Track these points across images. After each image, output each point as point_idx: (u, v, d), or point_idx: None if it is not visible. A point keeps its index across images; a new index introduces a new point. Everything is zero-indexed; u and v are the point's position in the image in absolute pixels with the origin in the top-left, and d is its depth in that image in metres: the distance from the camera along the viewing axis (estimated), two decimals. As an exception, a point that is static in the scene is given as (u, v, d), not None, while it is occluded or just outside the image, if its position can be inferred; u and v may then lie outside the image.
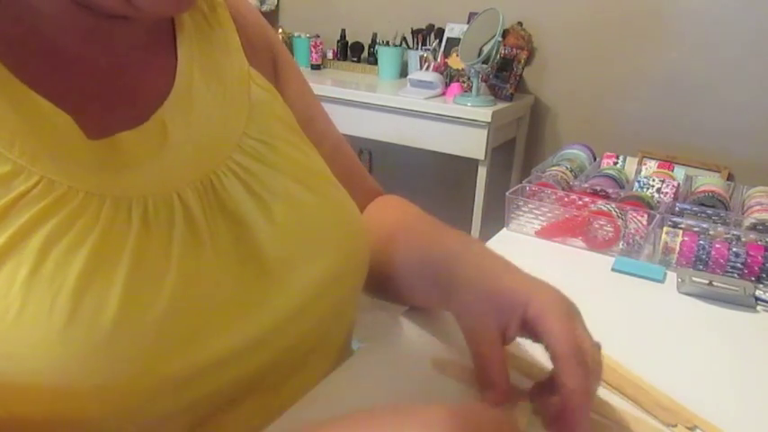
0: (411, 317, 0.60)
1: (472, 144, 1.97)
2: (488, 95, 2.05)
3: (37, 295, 0.34)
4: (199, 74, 0.47)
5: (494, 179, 2.06)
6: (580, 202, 0.91)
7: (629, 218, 0.84)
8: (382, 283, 0.57)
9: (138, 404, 0.37)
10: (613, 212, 0.85)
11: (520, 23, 2.18)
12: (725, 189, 0.98)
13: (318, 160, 0.53)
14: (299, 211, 0.48)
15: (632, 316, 0.67)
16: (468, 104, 1.96)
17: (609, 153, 1.13)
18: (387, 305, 0.62)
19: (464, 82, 2.13)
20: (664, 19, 2.01)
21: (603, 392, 0.51)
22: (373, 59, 2.49)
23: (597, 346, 0.44)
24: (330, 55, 2.57)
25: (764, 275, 0.76)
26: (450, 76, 2.20)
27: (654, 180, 0.99)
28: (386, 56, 2.38)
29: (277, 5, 2.74)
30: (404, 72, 2.38)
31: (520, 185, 0.95)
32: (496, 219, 1.01)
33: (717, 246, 0.78)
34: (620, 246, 0.85)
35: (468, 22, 2.18)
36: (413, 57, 2.36)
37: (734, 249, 0.77)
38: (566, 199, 0.92)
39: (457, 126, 1.97)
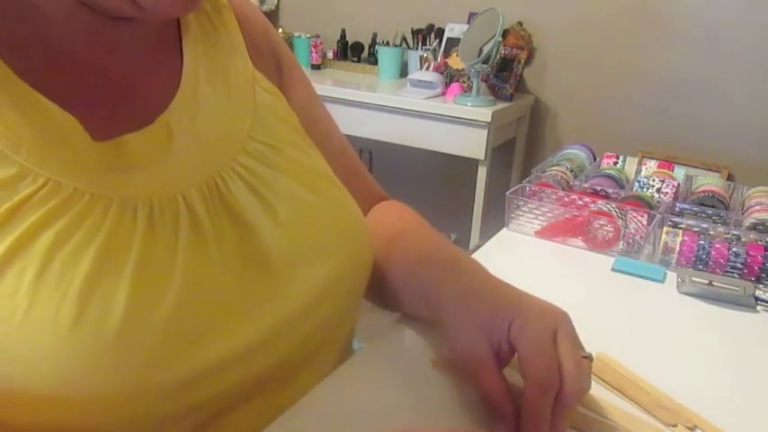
0: (411, 317, 0.60)
1: (472, 144, 1.97)
2: (488, 95, 2.05)
3: (43, 297, 0.34)
4: (204, 76, 0.47)
5: (494, 179, 2.06)
6: (580, 202, 0.91)
7: (629, 218, 0.84)
8: (379, 291, 0.58)
9: (143, 407, 0.37)
10: (613, 212, 0.85)
11: (520, 23, 2.18)
12: (725, 189, 0.98)
13: (322, 162, 0.54)
14: (302, 213, 0.48)
15: (632, 316, 0.67)
16: (468, 104, 1.96)
17: (609, 153, 1.13)
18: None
19: (464, 82, 2.13)
20: (664, 19, 2.01)
21: (604, 392, 0.51)
22: (373, 59, 2.49)
23: (589, 358, 0.44)
24: (330, 55, 2.57)
25: (764, 275, 0.76)
26: (450, 76, 2.20)
27: (654, 180, 0.99)
28: (386, 56, 2.38)
29: (277, 5, 2.74)
30: (404, 72, 2.38)
31: (520, 185, 0.95)
32: (496, 219, 1.01)
33: (717, 246, 0.78)
34: (620, 246, 0.85)
35: (468, 22, 2.18)
36: (413, 57, 2.36)
37: (734, 249, 0.78)
38: (566, 199, 0.92)
39: (457, 126, 1.97)
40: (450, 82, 2.17)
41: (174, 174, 0.42)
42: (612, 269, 0.79)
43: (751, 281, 0.75)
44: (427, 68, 2.23)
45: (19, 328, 0.33)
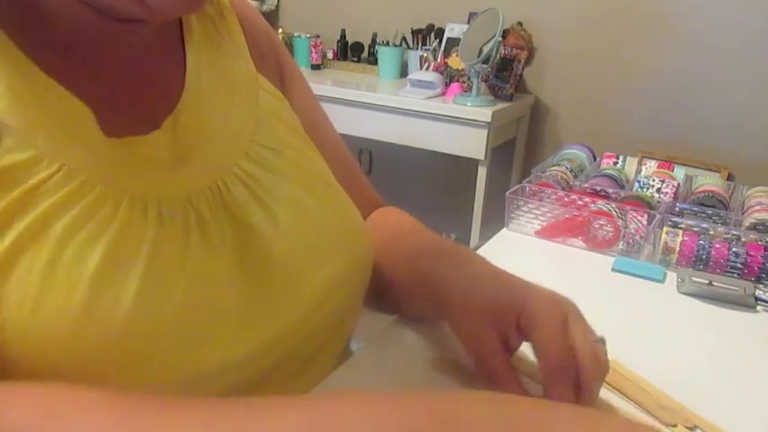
0: (410, 318, 0.60)
1: (472, 144, 1.97)
2: (488, 95, 2.05)
3: (55, 284, 0.34)
4: (207, 80, 0.47)
5: (494, 179, 2.06)
6: (580, 202, 0.91)
7: (629, 218, 0.84)
8: (379, 295, 0.58)
9: None
10: (613, 212, 0.85)
11: (520, 23, 2.18)
12: (725, 189, 0.98)
13: (323, 165, 0.54)
14: (304, 218, 0.48)
15: (632, 316, 0.67)
16: (468, 104, 1.96)
17: (609, 153, 1.13)
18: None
19: (464, 82, 2.13)
20: (664, 19, 2.01)
21: (604, 392, 0.51)
22: (373, 59, 2.49)
23: (601, 341, 0.44)
24: (330, 55, 2.57)
25: (764, 275, 0.76)
26: (450, 76, 2.20)
27: (654, 180, 0.99)
28: (386, 56, 2.38)
29: (277, 5, 2.74)
30: (404, 72, 2.38)
31: (520, 185, 0.95)
32: (496, 219, 1.01)
33: (717, 246, 0.78)
34: (620, 246, 0.85)
35: (468, 22, 2.18)
36: (413, 57, 2.36)
37: (734, 249, 0.77)
38: (566, 199, 0.92)
39: (457, 126, 1.97)
40: (450, 82, 2.17)
41: (180, 178, 0.42)
42: (612, 269, 0.78)
43: (751, 281, 0.75)
44: (427, 68, 2.23)
45: (31, 313, 0.34)
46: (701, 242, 0.79)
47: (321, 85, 2.18)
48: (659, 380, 0.53)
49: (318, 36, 2.52)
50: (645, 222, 0.84)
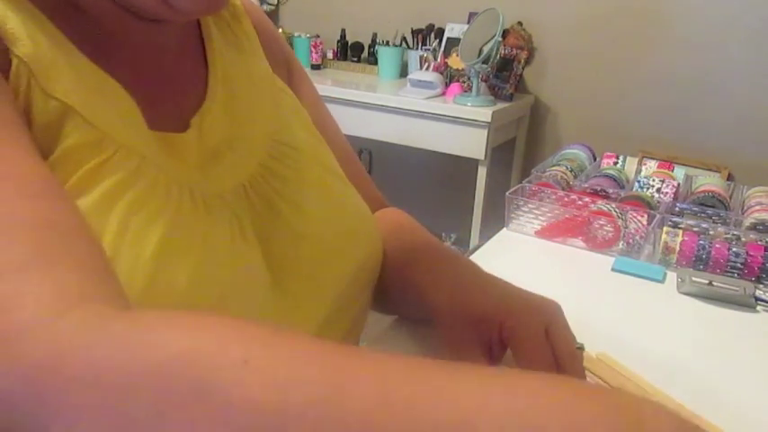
0: (409, 318, 0.60)
1: (472, 144, 1.97)
2: (488, 95, 2.05)
3: (122, 256, 0.35)
4: (228, 81, 0.48)
5: (494, 179, 2.06)
6: (580, 202, 0.91)
7: (629, 218, 0.84)
8: (375, 295, 0.58)
9: None
10: (613, 212, 0.85)
11: (520, 23, 2.18)
12: (725, 189, 0.98)
13: (335, 161, 0.56)
14: (324, 213, 0.49)
15: (632, 316, 0.67)
16: (468, 104, 1.96)
17: (609, 153, 1.13)
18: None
19: (464, 82, 2.13)
20: (664, 19, 2.01)
21: (603, 392, 0.51)
22: (373, 59, 2.49)
23: (580, 348, 0.45)
24: (330, 55, 2.57)
25: (764, 275, 0.76)
26: (450, 76, 2.20)
27: (654, 180, 0.99)
28: (386, 56, 2.38)
29: (277, 5, 2.74)
30: (404, 72, 2.38)
31: (520, 185, 0.95)
32: (496, 219, 1.01)
33: (717, 246, 0.78)
34: (620, 246, 0.85)
35: (468, 22, 2.18)
36: (413, 57, 2.36)
37: (734, 249, 0.78)
38: (566, 199, 0.92)
39: (457, 126, 1.97)
40: (450, 82, 2.17)
41: (210, 177, 0.43)
42: (612, 269, 0.79)
43: (751, 281, 0.75)
44: (427, 68, 2.23)
45: None
46: (701, 242, 0.79)
47: (321, 85, 2.18)
48: (659, 380, 0.53)
49: (318, 36, 2.52)
50: (645, 222, 0.84)
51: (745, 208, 0.93)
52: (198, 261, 0.38)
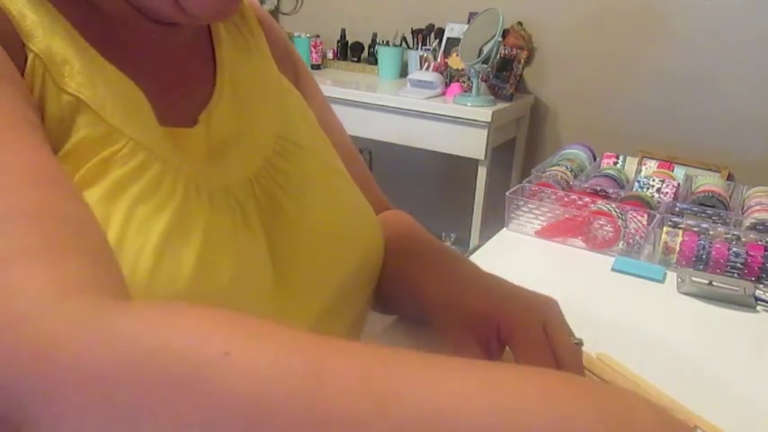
0: (409, 318, 0.60)
1: (472, 144, 1.97)
2: (488, 95, 2.05)
3: (125, 246, 0.36)
4: (236, 79, 0.50)
5: (494, 179, 2.06)
6: (580, 202, 0.91)
7: (629, 218, 0.84)
8: (375, 294, 0.59)
9: None
10: (613, 212, 0.85)
11: (520, 23, 2.18)
12: (725, 189, 0.98)
13: (339, 161, 0.56)
14: (326, 209, 0.50)
15: (632, 316, 0.67)
16: (468, 104, 1.96)
17: (609, 153, 1.13)
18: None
19: (464, 82, 2.13)
20: (664, 19, 2.01)
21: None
22: (373, 59, 2.49)
23: (579, 344, 0.46)
24: (330, 55, 2.57)
25: (764, 275, 0.76)
26: (450, 76, 2.20)
27: (654, 180, 0.99)
28: (386, 56, 2.38)
29: (277, 5, 2.74)
30: (404, 72, 2.38)
31: (520, 185, 0.95)
32: (496, 219, 1.01)
33: (717, 246, 0.78)
34: (620, 246, 0.85)
35: (468, 22, 2.18)
36: (413, 57, 2.36)
37: (734, 249, 0.78)
38: (566, 199, 0.92)
39: (457, 126, 1.97)
40: (450, 82, 2.17)
41: (218, 170, 0.44)
42: (612, 269, 0.79)
43: (751, 281, 0.75)
44: (427, 68, 2.23)
45: None
46: (701, 242, 0.79)
47: (321, 85, 2.14)
48: (659, 380, 0.53)
49: (318, 36, 2.52)
50: (645, 222, 0.84)
51: (745, 208, 0.93)
52: (201, 251, 0.39)
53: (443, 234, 2.50)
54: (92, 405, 0.23)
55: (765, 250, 0.77)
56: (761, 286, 0.74)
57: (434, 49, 2.31)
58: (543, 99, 2.29)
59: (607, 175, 1.03)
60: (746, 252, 0.77)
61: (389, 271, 0.57)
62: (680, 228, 0.83)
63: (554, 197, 0.92)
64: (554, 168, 1.02)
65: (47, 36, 0.37)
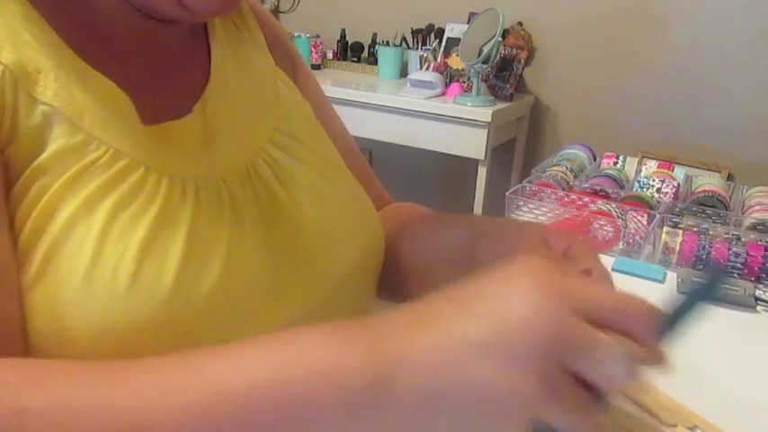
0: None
1: (472, 144, 1.97)
2: (488, 95, 2.05)
3: (104, 257, 0.36)
4: (231, 71, 0.50)
5: (494, 179, 2.06)
6: (580, 202, 0.91)
7: (629, 218, 0.84)
8: (390, 273, 0.58)
9: None
10: (613, 212, 0.85)
11: (520, 23, 2.18)
12: (725, 189, 0.98)
13: (337, 153, 0.56)
14: (324, 201, 0.50)
15: (632, 316, 0.67)
16: (468, 104, 1.96)
17: (609, 153, 1.13)
18: (387, 303, 0.62)
19: (464, 82, 2.13)
20: (664, 19, 2.01)
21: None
22: (373, 59, 2.49)
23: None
24: (330, 55, 2.57)
25: (764, 275, 0.76)
26: (450, 76, 2.20)
27: (654, 180, 0.99)
28: (386, 56, 2.38)
29: (277, 5, 2.74)
30: (404, 72, 2.38)
31: (520, 185, 0.95)
32: (496, 219, 1.01)
33: (717, 246, 0.78)
34: (620, 246, 0.85)
35: (468, 22, 2.18)
36: (413, 57, 2.36)
37: (734, 249, 0.78)
38: (566, 199, 0.92)
39: (457, 126, 1.97)
40: (450, 82, 2.17)
41: (212, 159, 0.44)
42: (612, 269, 0.78)
43: (751, 281, 0.75)
44: (427, 68, 2.23)
45: (84, 282, 0.35)
46: (701, 242, 0.79)
47: (321, 85, 2.17)
48: (659, 380, 0.53)
49: (318, 36, 2.52)
50: (645, 222, 0.84)
51: (745, 208, 0.93)
52: (186, 250, 0.38)
53: (443, 234, 2.49)
54: None
55: (765, 250, 0.77)
56: (761, 286, 0.74)
57: (434, 49, 2.31)
58: (543, 99, 2.29)
59: (607, 175, 1.03)
60: (746, 252, 0.77)
61: (411, 233, 0.57)
62: (680, 228, 0.83)
63: (554, 197, 0.92)
64: (554, 168, 1.02)
65: (15, 45, 0.36)
